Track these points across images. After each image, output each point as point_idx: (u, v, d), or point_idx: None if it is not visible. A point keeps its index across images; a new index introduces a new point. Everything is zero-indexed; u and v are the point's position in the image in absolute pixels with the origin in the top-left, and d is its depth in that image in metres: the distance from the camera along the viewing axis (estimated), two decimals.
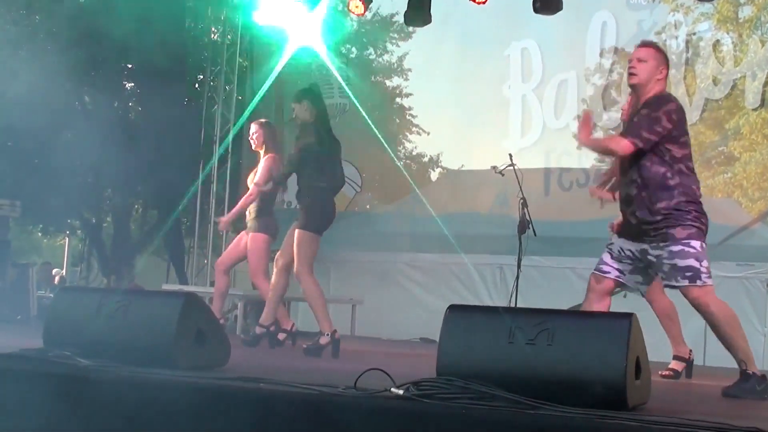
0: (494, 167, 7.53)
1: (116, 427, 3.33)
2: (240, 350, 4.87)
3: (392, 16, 11.29)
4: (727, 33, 8.39)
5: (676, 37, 8.53)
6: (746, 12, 8.42)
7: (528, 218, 7.24)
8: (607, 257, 4.37)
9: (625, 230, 4.35)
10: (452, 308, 3.42)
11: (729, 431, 2.63)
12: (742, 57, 8.15)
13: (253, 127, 6.78)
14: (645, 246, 4.23)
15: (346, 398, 3.06)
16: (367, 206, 10.49)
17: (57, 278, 14.37)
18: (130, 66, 13.31)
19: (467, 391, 2.99)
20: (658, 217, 4.17)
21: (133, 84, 13.71)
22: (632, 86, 4.31)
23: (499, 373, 3.10)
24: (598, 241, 6.08)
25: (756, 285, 8.12)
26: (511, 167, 7.36)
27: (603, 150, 4.70)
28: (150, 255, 15.68)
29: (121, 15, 12.58)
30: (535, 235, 7.28)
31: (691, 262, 4.11)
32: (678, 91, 8.40)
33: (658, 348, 5.60)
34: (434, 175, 11.31)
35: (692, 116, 8.38)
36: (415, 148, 11.62)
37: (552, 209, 8.47)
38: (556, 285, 8.42)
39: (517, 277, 7.31)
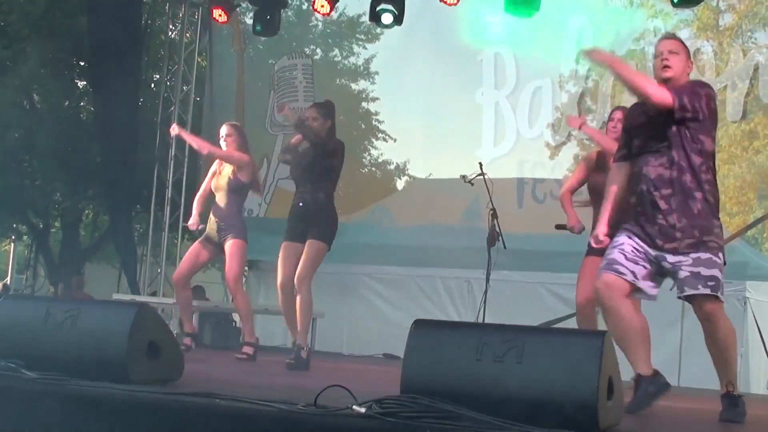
0: (463, 176, 7.29)
1: None
2: (194, 364, 4.79)
3: (359, 16, 11.03)
4: (708, 41, 8.21)
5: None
6: (727, 20, 8.24)
7: (498, 230, 7.03)
8: (620, 257, 3.96)
9: (638, 232, 3.99)
10: (418, 323, 3.38)
11: None
12: (723, 66, 7.96)
13: (227, 129, 6.37)
14: (664, 253, 3.92)
15: (306, 416, 3.01)
16: None
17: (0, 286, 13.87)
18: (82, 63, 12.90)
19: (432, 410, 2.95)
20: (691, 222, 3.88)
21: (85, 82, 13.31)
22: (665, 80, 4.01)
23: (466, 391, 3.07)
24: (571, 256, 5.83)
25: (733, 303, 7.92)
26: (481, 176, 7.13)
27: (637, 87, 4.05)
28: (100, 262, 15.32)
29: (74, 10, 12.18)
30: (504, 247, 7.06)
31: (716, 272, 3.89)
32: None
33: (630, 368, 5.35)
34: (400, 184, 11.10)
35: None
36: (381, 154, 11.38)
37: (525, 222, 8.28)
38: (527, 300, 8.26)
39: (486, 292, 7.13)
